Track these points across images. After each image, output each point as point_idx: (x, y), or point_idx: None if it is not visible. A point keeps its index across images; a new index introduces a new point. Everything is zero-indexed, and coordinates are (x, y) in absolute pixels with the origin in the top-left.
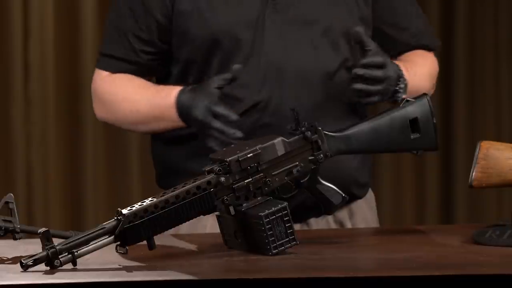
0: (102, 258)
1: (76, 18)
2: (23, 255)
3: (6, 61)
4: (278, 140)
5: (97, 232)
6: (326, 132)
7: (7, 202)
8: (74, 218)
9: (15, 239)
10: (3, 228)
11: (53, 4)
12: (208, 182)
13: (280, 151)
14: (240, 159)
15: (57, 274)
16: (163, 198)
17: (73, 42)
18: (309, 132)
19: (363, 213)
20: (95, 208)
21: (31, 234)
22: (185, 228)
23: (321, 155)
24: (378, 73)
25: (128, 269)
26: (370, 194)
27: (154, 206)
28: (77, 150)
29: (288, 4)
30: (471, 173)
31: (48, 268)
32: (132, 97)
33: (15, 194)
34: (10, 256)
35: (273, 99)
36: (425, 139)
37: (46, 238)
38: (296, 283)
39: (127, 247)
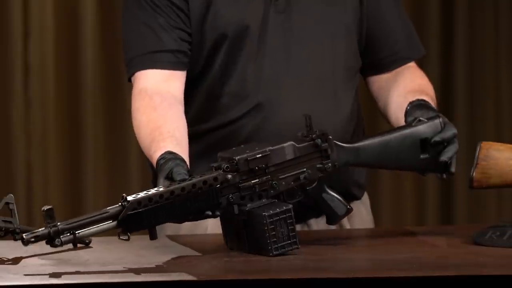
0: (102, 259)
1: (76, 18)
2: (23, 255)
3: (6, 61)
4: (288, 144)
5: (100, 216)
6: (337, 142)
7: (7, 203)
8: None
9: (15, 239)
10: (3, 229)
11: (53, 4)
12: (215, 178)
13: (289, 155)
14: (249, 158)
15: (57, 275)
16: (169, 189)
17: (73, 42)
18: (319, 140)
19: (361, 214)
20: (95, 208)
21: None
22: (185, 229)
23: (329, 164)
24: (446, 134)
25: (127, 269)
26: (365, 195)
27: (159, 196)
28: (77, 150)
29: (289, 4)
30: (471, 174)
31: (47, 268)
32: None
33: (15, 194)
34: (10, 257)
35: (275, 101)
36: (433, 160)
37: (49, 216)
38: (296, 284)
39: (129, 234)
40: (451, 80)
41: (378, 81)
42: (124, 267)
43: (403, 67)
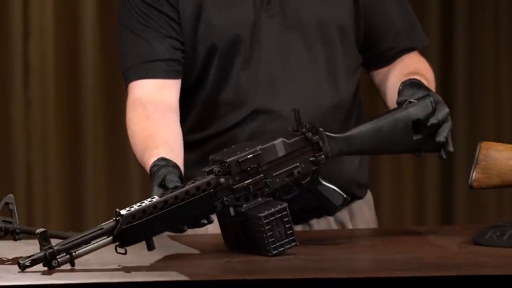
0: (102, 259)
1: (76, 18)
2: (23, 256)
3: (6, 61)
4: (278, 141)
5: (95, 233)
6: (328, 133)
7: (7, 203)
8: (74, 218)
9: (15, 240)
10: (3, 229)
11: (53, 4)
12: (208, 183)
13: (281, 152)
14: (240, 160)
15: (57, 275)
16: (162, 199)
17: (73, 42)
18: (310, 133)
19: (363, 213)
20: (95, 208)
21: (31, 235)
22: None
23: (322, 156)
24: (440, 115)
25: (127, 269)
26: (369, 194)
27: (153, 207)
28: (77, 150)
29: (282, 8)
30: (471, 174)
31: (46, 268)
32: (133, 140)
33: (15, 194)
34: (10, 257)
35: (272, 106)
36: (427, 140)
37: (43, 239)
38: (296, 284)
39: (126, 248)
40: (451, 76)
41: (380, 74)
42: (124, 267)
43: (404, 56)
